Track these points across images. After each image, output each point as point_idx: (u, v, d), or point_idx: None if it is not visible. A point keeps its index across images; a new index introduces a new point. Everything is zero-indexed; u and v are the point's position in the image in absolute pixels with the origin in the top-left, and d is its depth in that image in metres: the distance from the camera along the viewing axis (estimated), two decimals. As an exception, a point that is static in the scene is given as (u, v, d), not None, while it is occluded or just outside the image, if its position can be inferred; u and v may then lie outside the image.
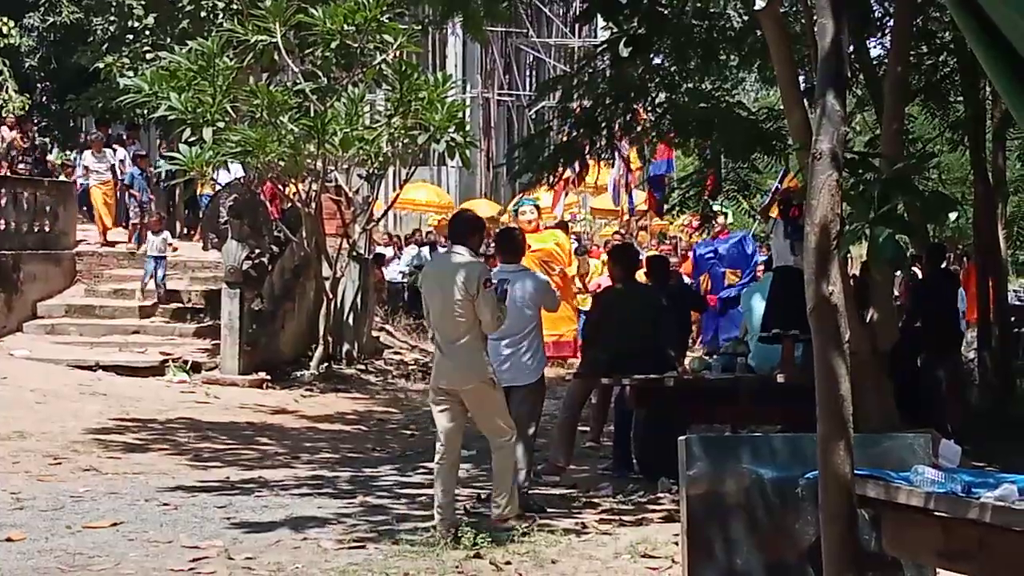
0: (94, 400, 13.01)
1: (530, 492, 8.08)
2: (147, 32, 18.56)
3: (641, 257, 11.88)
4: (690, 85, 11.28)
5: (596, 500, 8.26)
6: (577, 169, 11.55)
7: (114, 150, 19.48)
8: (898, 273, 11.13)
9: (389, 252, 22.17)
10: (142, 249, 17.32)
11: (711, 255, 16.88)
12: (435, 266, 7.22)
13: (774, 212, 11.37)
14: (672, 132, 11.70)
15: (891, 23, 10.26)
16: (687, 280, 16.75)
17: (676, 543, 5.84)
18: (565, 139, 11.16)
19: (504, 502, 7.08)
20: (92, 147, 19.12)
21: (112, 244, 18.37)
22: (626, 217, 21.96)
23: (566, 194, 20.23)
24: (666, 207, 16.75)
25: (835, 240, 3.66)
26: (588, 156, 11.31)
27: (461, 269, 6.86)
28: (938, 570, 4.55)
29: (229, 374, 15.11)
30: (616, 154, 12.07)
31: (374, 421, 13.33)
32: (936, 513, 3.82)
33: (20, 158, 19.13)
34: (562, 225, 18.85)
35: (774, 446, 4.75)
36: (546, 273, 11.87)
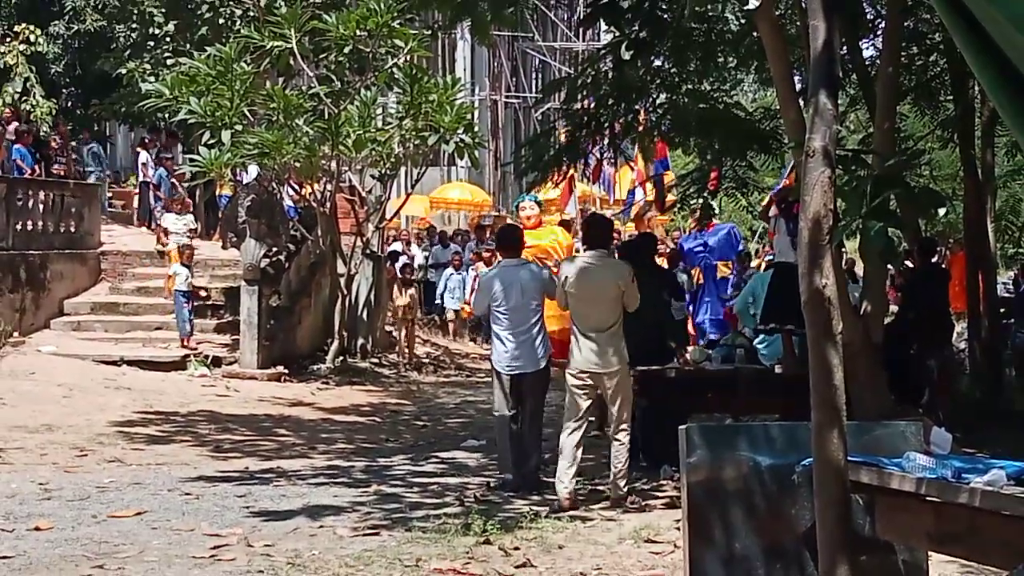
0: (119, 394, 13.19)
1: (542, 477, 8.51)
2: (168, 39, 18.68)
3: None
4: (690, 86, 11.39)
5: (601, 487, 8.31)
6: (581, 167, 11.65)
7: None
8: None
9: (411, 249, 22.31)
10: (172, 271, 16.74)
11: (700, 248, 16.57)
12: (586, 267, 7.96)
13: (774, 211, 11.54)
14: (672, 132, 11.82)
15: (883, 25, 10.32)
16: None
17: (678, 528, 5.93)
18: (567, 139, 11.27)
19: (624, 483, 7.84)
20: (174, 207, 18.40)
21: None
22: (636, 211, 21.97)
23: (575, 187, 20.14)
24: (666, 204, 16.78)
25: (828, 234, 3.71)
26: (591, 155, 11.47)
27: (613, 268, 8.03)
28: (930, 553, 4.58)
29: (248, 368, 15.32)
30: (618, 153, 12.22)
31: (388, 413, 13.46)
32: (928, 498, 3.86)
33: (54, 158, 19.43)
34: (565, 223, 18.86)
35: (771, 434, 4.75)
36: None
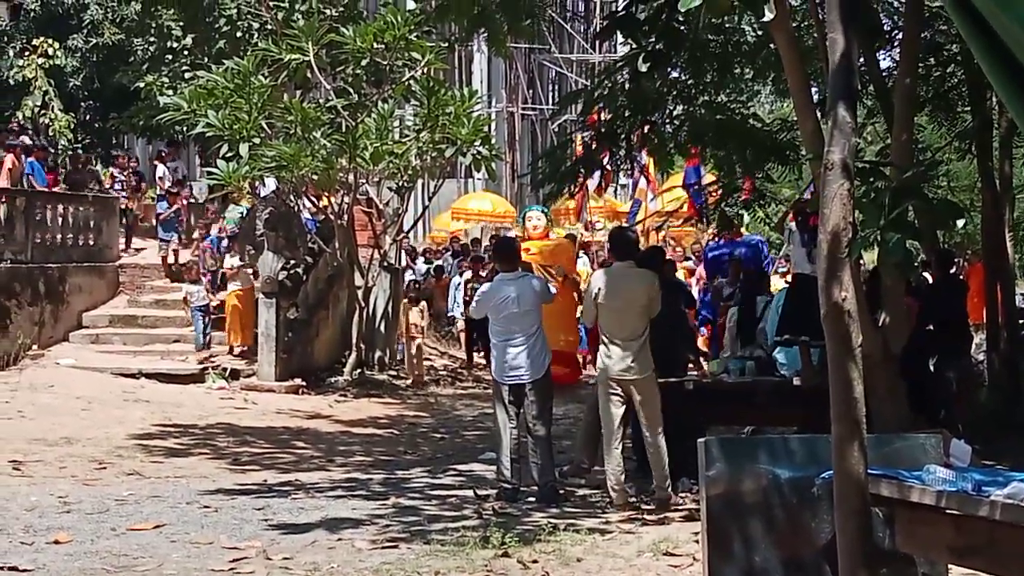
0: (137, 407, 13.25)
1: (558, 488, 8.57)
2: (185, 52, 18.81)
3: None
4: (706, 98, 11.44)
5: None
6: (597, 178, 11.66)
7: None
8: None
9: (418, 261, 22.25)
10: (184, 293, 16.82)
11: (725, 257, 16.35)
12: (619, 278, 8.20)
13: (791, 221, 11.51)
14: (689, 143, 11.88)
15: (900, 36, 10.30)
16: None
17: (697, 541, 6.01)
18: (582, 149, 11.28)
19: (667, 485, 8.04)
20: (233, 248, 17.67)
21: (243, 355, 16.44)
22: (652, 223, 21.88)
23: (587, 200, 20.13)
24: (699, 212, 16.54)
25: (847, 247, 3.70)
26: (607, 166, 11.50)
27: (644, 279, 8.24)
28: (950, 566, 4.58)
29: (266, 380, 15.40)
30: (634, 164, 12.22)
31: (405, 425, 13.49)
32: (948, 511, 3.84)
33: (110, 187, 19.66)
34: (570, 236, 18.73)
35: (790, 447, 4.76)
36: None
